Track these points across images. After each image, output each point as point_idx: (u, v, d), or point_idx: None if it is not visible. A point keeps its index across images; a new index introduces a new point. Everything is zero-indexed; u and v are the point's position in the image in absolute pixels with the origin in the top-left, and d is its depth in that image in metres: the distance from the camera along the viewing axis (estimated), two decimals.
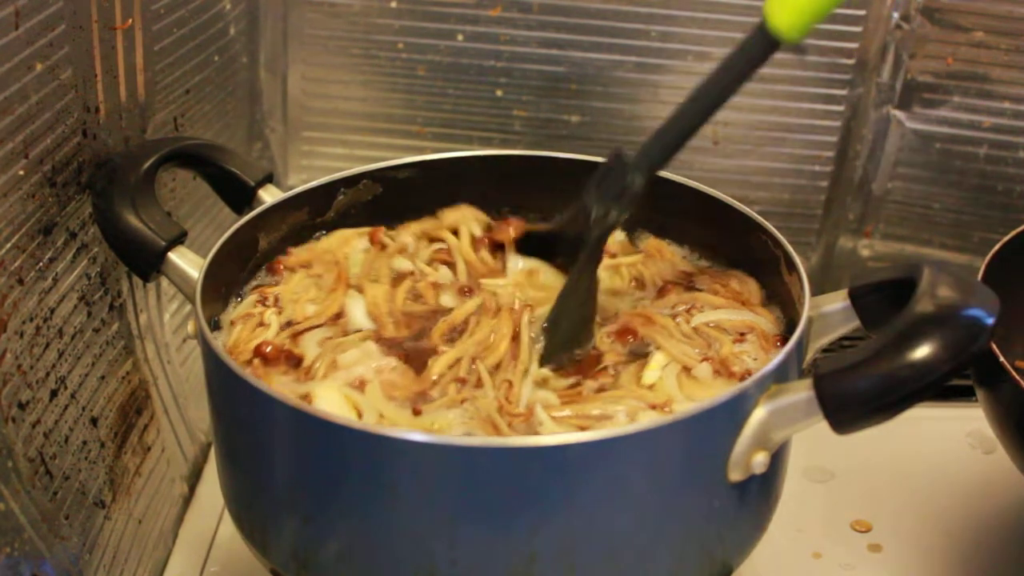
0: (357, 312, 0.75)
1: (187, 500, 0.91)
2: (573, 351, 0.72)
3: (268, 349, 0.70)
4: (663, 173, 0.82)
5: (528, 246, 0.80)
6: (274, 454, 0.63)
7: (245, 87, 1.06)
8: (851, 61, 1.05)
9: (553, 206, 0.86)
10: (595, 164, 0.84)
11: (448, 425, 0.65)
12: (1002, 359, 0.73)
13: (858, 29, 1.04)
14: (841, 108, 1.07)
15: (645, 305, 0.77)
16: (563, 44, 1.06)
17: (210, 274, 0.70)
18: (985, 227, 1.10)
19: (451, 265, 0.81)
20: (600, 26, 1.05)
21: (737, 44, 0.67)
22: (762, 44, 0.66)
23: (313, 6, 1.06)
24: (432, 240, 0.83)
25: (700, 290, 0.77)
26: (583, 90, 1.08)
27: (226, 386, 0.65)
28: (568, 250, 0.76)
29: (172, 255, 0.74)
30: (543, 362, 0.71)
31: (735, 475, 0.61)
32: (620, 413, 0.65)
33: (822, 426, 0.59)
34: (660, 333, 0.73)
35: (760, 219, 0.76)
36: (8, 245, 0.65)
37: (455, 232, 0.83)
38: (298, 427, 0.61)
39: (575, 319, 0.74)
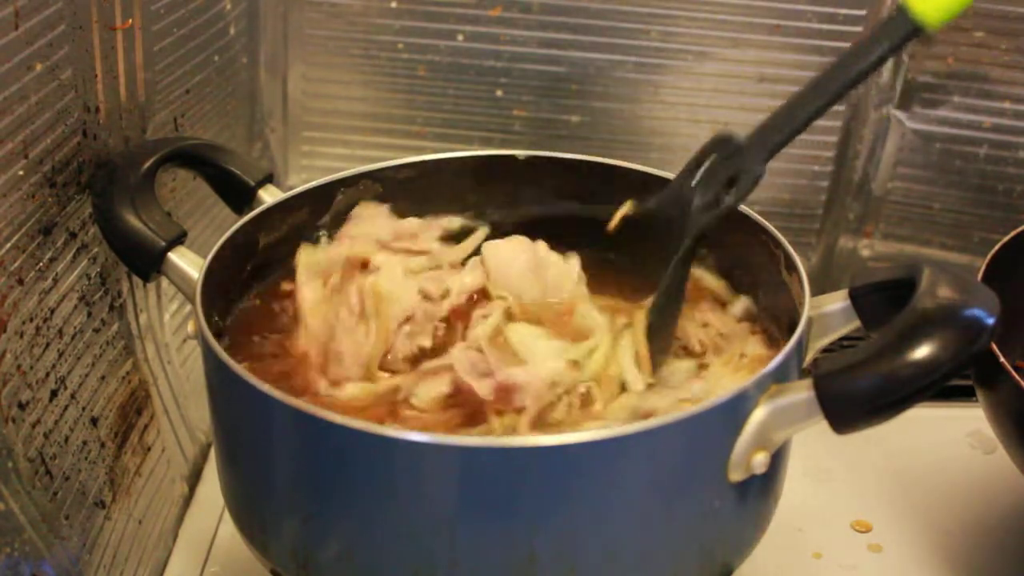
0: None
1: (187, 500, 0.91)
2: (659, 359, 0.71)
3: None
4: (662, 173, 0.82)
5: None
6: (274, 454, 0.63)
7: (245, 87, 1.06)
8: None
9: (552, 205, 0.86)
10: (595, 163, 0.84)
11: None
12: (1002, 359, 0.73)
13: (858, 29, 1.04)
14: (841, 108, 1.07)
15: None
16: (563, 44, 1.06)
17: (210, 274, 0.70)
18: (985, 227, 1.10)
19: None
20: (600, 26, 1.05)
21: (876, 28, 0.66)
22: (902, 29, 0.65)
23: (313, 6, 1.06)
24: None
25: None
26: (583, 90, 1.08)
27: (226, 386, 0.65)
28: (653, 245, 0.74)
29: (172, 255, 0.74)
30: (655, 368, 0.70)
31: (735, 475, 0.61)
32: None
33: (822, 426, 0.59)
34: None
35: (760, 219, 0.76)
36: (8, 245, 0.65)
37: None
38: (298, 427, 0.61)
39: (666, 323, 0.72)
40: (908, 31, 0.66)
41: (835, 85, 0.68)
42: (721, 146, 0.72)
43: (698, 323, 0.77)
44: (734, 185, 0.70)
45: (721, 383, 0.70)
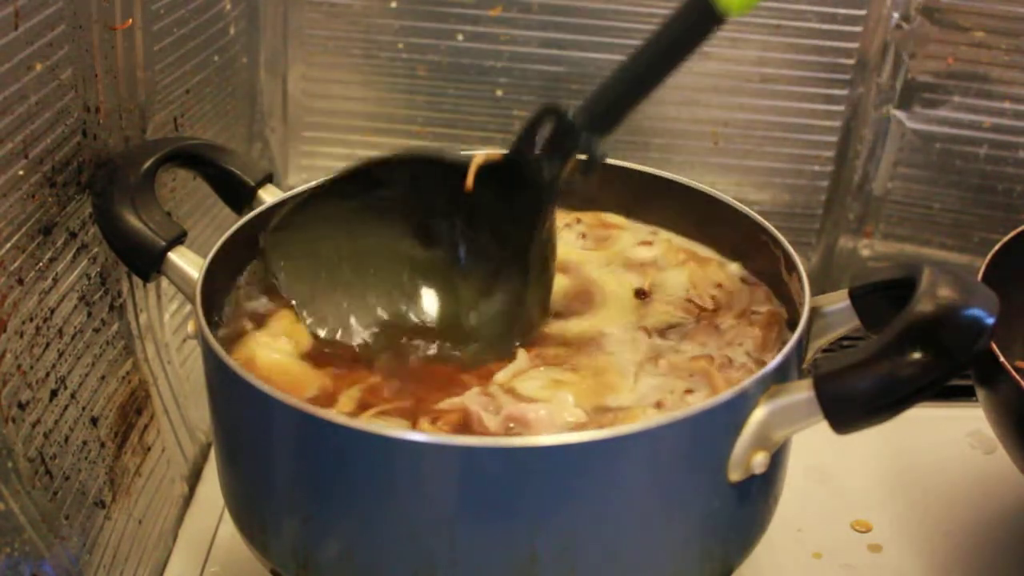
0: None
1: (187, 500, 0.91)
2: (512, 340, 0.72)
3: None
4: (662, 173, 0.82)
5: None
6: (274, 454, 0.63)
7: (245, 87, 1.06)
8: (851, 61, 1.05)
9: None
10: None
11: None
12: (1002, 359, 0.73)
13: (858, 29, 1.04)
14: (841, 108, 1.07)
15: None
16: (563, 44, 1.06)
17: (210, 274, 0.70)
18: (985, 227, 1.10)
19: None
20: (600, 26, 1.05)
21: (674, 13, 0.63)
22: (703, 17, 0.62)
23: (313, 6, 1.06)
24: None
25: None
26: (583, 90, 1.06)
27: (226, 386, 0.65)
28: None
29: (172, 255, 0.74)
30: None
31: (735, 475, 0.61)
32: None
33: (822, 426, 0.59)
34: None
35: (760, 219, 0.76)
36: (8, 245, 0.65)
37: None
38: (298, 427, 0.61)
39: (519, 297, 0.72)
40: (710, 20, 0.62)
41: (657, 68, 0.65)
42: (552, 118, 0.69)
43: (711, 282, 0.77)
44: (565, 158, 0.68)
45: (741, 335, 0.72)
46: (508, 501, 0.58)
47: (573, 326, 0.74)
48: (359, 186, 0.74)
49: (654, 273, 0.79)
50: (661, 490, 0.61)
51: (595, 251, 0.82)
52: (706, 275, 0.78)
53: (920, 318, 0.58)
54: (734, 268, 0.80)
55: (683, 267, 0.79)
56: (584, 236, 0.84)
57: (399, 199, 0.74)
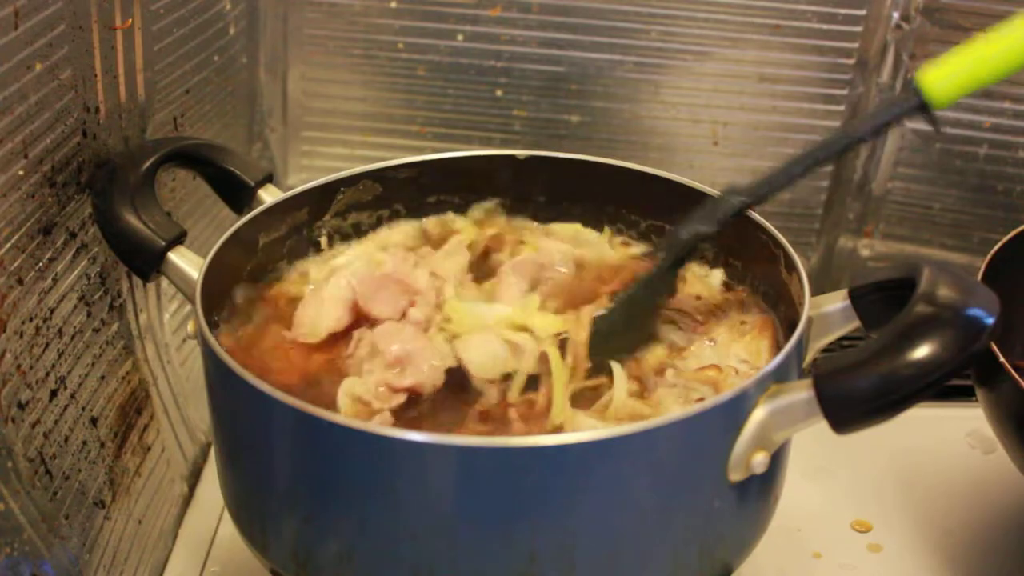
0: None
1: (187, 500, 0.91)
2: (618, 355, 0.71)
3: None
4: (663, 173, 0.82)
5: None
6: (274, 454, 0.63)
7: (245, 87, 1.06)
8: (851, 61, 1.05)
9: (551, 204, 0.86)
10: (595, 163, 0.84)
11: None
12: (1002, 359, 0.73)
13: (858, 29, 1.04)
14: (841, 108, 1.07)
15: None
16: (563, 44, 1.06)
17: (210, 274, 0.70)
18: (985, 227, 1.10)
19: None
20: (600, 26, 1.05)
21: (885, 101, 0.68)
22: (910, 105, 0.68)
23: (313, 6, 1.06)
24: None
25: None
26: (583, 90, 1.08)
27: (226, 386, 0.65)
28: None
29: (172, 255, 0.74)
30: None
31: (735, 475, 0.61)
32: None
33: (822, 426, 0.59)
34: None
35: (760, 219, 0.76)
36: (8, 245, 0.65)
37: None
38: (298, 427, 0.61)
39: (632, 324, 0.73)
40: (914, 107, 0.68)
41: (834, 147, 0.70)
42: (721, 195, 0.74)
43: (691, 296, 0.78)
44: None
45: (731, 349, 0.72)
46: (508, 501, 0.58)
47: None
48: None
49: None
50: (661, 490, 0.61)
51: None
52: (682, 290, 0.78)
53: (920, 318, 0.58)
54: (716, 275, 0.80)
55: None
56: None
57: None
